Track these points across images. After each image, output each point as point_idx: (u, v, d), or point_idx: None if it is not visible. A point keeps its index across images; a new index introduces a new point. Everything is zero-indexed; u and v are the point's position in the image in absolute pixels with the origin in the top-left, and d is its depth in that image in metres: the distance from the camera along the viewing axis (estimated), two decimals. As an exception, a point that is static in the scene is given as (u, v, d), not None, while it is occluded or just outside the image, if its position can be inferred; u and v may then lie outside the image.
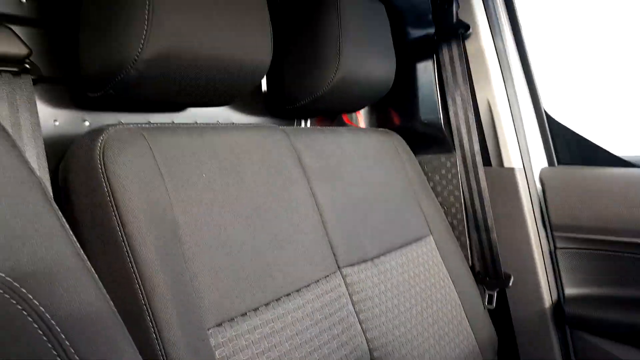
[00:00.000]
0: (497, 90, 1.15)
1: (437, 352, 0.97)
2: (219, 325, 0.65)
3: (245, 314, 0.69)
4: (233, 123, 0.99)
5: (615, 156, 1.12)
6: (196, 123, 0.84)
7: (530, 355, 1.18)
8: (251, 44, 0.76)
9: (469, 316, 1.09)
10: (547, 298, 1.14)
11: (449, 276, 1.10)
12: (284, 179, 0.85)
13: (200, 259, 0.67)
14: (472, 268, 1.21)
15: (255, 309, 0.70)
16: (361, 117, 1.40)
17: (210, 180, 0.73)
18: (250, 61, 0.77)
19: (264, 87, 1.16)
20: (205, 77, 0.74)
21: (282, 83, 1.06)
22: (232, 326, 0.66)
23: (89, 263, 0.50)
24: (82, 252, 0.50)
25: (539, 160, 1.19)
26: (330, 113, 1.30)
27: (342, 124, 1.38)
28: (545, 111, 1.20)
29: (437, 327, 0.99)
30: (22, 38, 0.69)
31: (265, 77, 1.11)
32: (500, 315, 1.20)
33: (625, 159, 1.11)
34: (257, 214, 0.77)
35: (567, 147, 1.19)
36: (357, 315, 0.86)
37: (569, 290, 1.15)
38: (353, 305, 0.86)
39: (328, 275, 0.84)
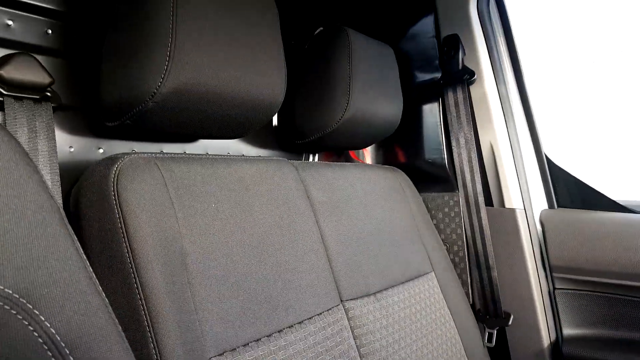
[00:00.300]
0: (500, 134, 1.18)
1: None
2: (221, 354, 0.65)
3: (248, 344, 0.68)
4: (243, 155, 1.01)
5: (612, 201, 1.13)
6: (207, 154, 0.85)
7: None
8: (266, 81, 0.78)
9: (468, 354, 1.08)
10: (546, 338, 1.14)
11: (450, 313, 1.10)
12: (292, 211, 0.85)
13: (206, 288, 0.67)
14: (472, 306, 1.21)
15: (257, 340, 0.70)
16: (367, 154, 1.43)
17: (220, 211, 0.73)
18: (265, 97, 0.79)
19: (275, 121, 1.18)
20: (221, 111, 0.75)
21: (293, 119, 1.09)
22: (233, 356, 0.66)
23: (100, 287, 0.51)
24: (95, 276, 0.51)
25: (540, 202, 1.20)
26: (338, 149, 1.32)
27: (348, 159, 1.40)
28: (545, 155, 1.22)
29: None
30: (46, 67, 0.72)
31: None
32: (500, 354, 1.20)
33: (622, 204, 1.12)
34: (263, 245, 0.77)
35: (566, 190, 1.21)
36: (358, 350, 0.85)
37: (567, 331, 1.15)
38: (354, 339, 0.86)
39: (331, 308, 0.84)
